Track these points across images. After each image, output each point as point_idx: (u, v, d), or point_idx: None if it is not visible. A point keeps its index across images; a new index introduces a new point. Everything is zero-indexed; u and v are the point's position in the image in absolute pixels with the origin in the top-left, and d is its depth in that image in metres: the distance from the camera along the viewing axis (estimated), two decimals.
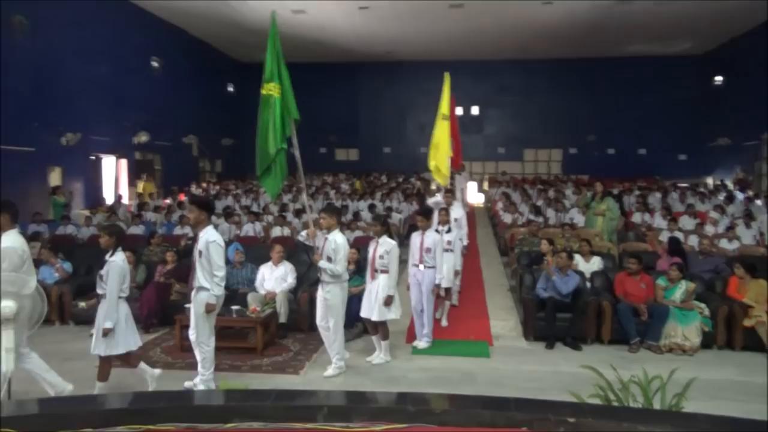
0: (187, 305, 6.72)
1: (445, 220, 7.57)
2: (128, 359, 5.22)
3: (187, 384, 5.41)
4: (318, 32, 20.17)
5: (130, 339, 5.12)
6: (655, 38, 20.63)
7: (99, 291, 5.12)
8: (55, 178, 13.85)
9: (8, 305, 4.32)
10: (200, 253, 5.22)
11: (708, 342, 6.75)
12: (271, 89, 5.85)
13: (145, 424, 2.02)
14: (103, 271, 5.04)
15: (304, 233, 6.10)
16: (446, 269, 7.18)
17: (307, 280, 7.76)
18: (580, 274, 7.50)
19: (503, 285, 9.60)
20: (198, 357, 5.37)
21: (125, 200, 15.39)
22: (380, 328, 6.26)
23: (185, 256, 8.69)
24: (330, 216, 5.92)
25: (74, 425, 2.02)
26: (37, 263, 8.50)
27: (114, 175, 16.31)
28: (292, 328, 7.25)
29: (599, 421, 1.93)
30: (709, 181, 21.12)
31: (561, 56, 23.14)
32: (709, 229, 10.51)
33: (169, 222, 12.08)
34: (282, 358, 6.45)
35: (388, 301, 6.09)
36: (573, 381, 5.39)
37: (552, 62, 23.78)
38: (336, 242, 5.75)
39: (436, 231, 7.12)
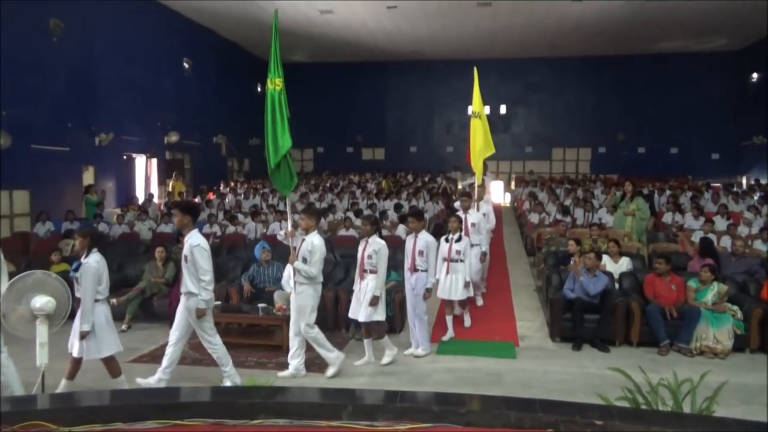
0: (216, 302, 6.84)
1: (456, 227, 7.11)
2: (111, 365, 5.19)
3: (140, 380, 5.42)
4: (346, 32, 20.24)
5: (111, 342, 5.10)
6: (687, 35, 20.18)
7: (77, 294, 5.03)
8: (88, 177, 14.17)
9: (49, 300, 4.42)
10: (185, 258, 5.19)
11: (741, 345, 6.59)
12: (277, 84, 5.80)
13: (173, 419, 2.06)
14: (77, 274, 4.99)
15: (282, 233, 5.99)
16: (454, 280, 6.95)
17: (333, 278, 7.80)
18: (609, 275, 7.38)
19: (530, 285, 9.52)
20: (213, 356, 5.41)
21: (155, 199, 15.66)
22: (373, 328, 6.13)
23: (213, 254, 8.81)
24: (309, 217, 5.81)
25: (104, 419, 2.06)
26: (70, 260, 8.76)
27: (145, 174, 16.62)
28: (318, 326, 7.28)
29: (627, 425, 1.90)
30: (743, 180, 20.58)
31: (591, 54, 22.80)
32: (743, 230, 10.25)
33: (198, 221, 12.25)
34: (307, 355, 6.48)
35: (374, 302, 5.95)
36: (601, 383, 5.33)
37: (581, 60, 23.47)
38: (313, 244, 5.65)
39: (446, 240, 7.06)
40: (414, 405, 2.14)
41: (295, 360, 5.81)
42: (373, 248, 6.03)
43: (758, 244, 9.32)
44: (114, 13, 14.37)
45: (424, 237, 6.54)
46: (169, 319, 7.32)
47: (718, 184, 17.95)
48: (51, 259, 8.54)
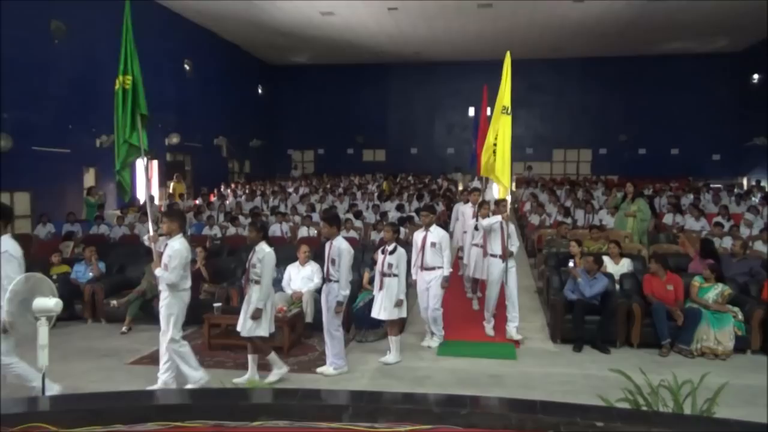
0: (216, 304, 6.85)
1: (390, 237, 6.39)
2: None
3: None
4: (347, 33, 20.27)
5: None
6: (689, 36, 20.18)
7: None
8: (89, 179, 14.19)
9: (57, 302, 4.42)
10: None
11: (742, 346, 6.57)
12: (123, 82, 5.63)
13: (173, 421, 2.06)
14: None
15: (146, 237, 5.74)
16: (386, 297, 6.25)
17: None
18: (610, 276, 7.38)
19: (530, 287, 9.51)
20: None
21: (156, 201, 15.67)
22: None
23: (214, 255, 8.83)
24: (170, 220, 5.46)
25: (105, 421, 2.06)
26: (71, 262, 8.78)
27: (146, 176, 16.59)
28: (319, 328, 7.25)
29: (628, 426, 1.90)
30: (744, 181, 20.57)
31: (592, 55, 22.82)
32: (744, 231, 10.24)
33: (198, 222, 12.26)
34: (308, 357, 6.49)
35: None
36: (601, 384, 5.33)
37: (583, 61, 23.48)
38: (173, 248, 5.28)
39: (381, 251, 6.49)
40: (415, 406, 2.14)
41: (164, 375, 5.37)
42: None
43: (759, 245, 9.31)
44: (115, 14, 14.20)
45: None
46: None
47: (719, 185, 17.94)
48: (51, 261, 8.54)
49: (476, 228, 7.88)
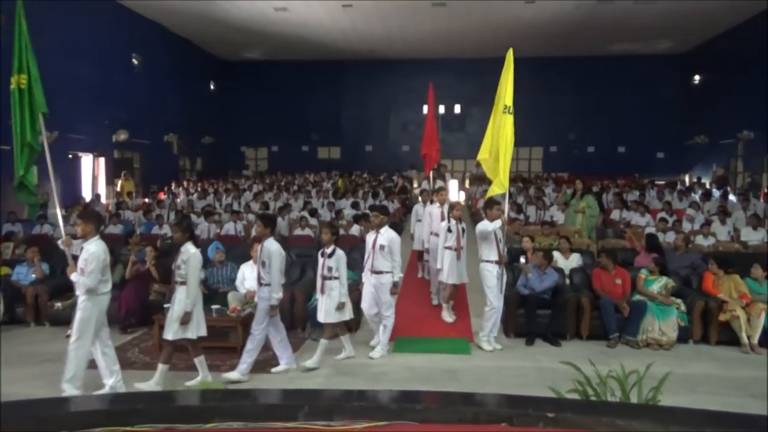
0: (166, 305, 6.68)
1: (328, 239, 6.19)
2: None
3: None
4: (301, 30, 20.09)
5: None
6: (636, 38, 20.87)
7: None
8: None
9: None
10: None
11: (684, 337, 6.87)
12: (18, 81, 5.46)
13: (122, 425, 2.00)
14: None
15: (60, 240, 5.55)
16: (328, 300, 6.12)
17: (288, 278, 7.72)
18: (560, 270, 7.58)
19: None
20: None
21: (103, 199, 15.19)
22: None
23: (164, 255, 8.60)
24: (86, 222, 5.25)
25: (50, 428, 1.98)
26: (11, 263, 8.41)
27: (92, 174, 16.09)
28: None
29: (578, 416, 1.94)
30: (686, 178, 21.44)
31: (544, 55, 23.29)
32: (686, 226, 10.67)
33: (148, 221, 11.94)
34: (262, 357, 6.39)
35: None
36: (553, 376, 5.45)
37: (535, 61, 23.85)
38: (89, 251, 5.09)
39: (321, 254, 6.27)
40: (371, 403, 2.14)
41: (110, 379, 5.23)
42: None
43: (700, 240, 9.72)
44: (61, 7, 13.83)
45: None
46: (118, 323, 7.14)
47: (663, 182, 18.64)
48: None
49: (449, 230, 7.42)
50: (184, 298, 5.32)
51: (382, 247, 6.35)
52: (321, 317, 6.17)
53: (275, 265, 5.66)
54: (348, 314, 6.24)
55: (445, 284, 7.60)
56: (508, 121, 6.54)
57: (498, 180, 6.65)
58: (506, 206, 7.07)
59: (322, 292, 6.13)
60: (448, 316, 7.61)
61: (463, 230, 7.53)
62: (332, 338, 6.20)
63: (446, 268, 7.37)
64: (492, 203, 6.81)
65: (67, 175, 14.99)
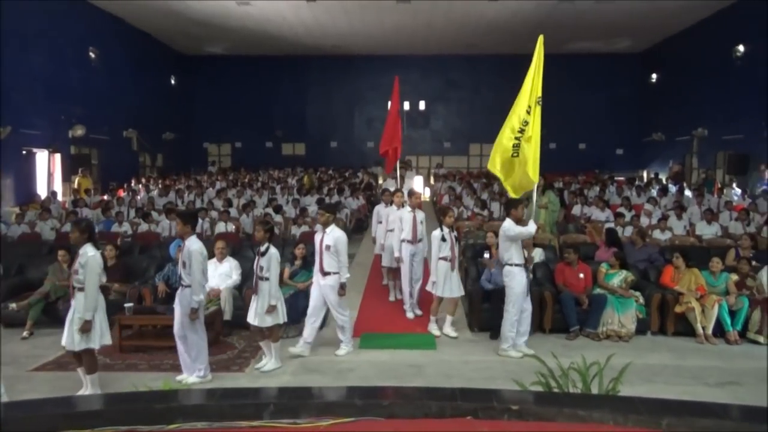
0: (127, 304, 6.55)
1: (261, 237, 5.90)
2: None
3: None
4: (265, 24, 19.84)
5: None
6: (596, 36, 21.27)
7: None
8: None
9: None
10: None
11: (642, 328, 7.06)
12: None
13: (83, 428, 1.95)
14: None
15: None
16: (260, 302, 5.85)
17: (253, 276, 7.63)
18: None
19: None
20: None
21: (60, 196, 14.73)
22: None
23: (124, 254, 8.42)
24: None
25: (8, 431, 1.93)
26: None
27: (47, 171, 15.58)
28: (237, 326, 7.11)
29: (541, 408, 1.99)
30: (644, 174, 22.03)
31: (507, 52, 23.46)
32: (644, 221, 10.96)
33: (107, 219, 11.64)
34: (227, 356, 6.34)
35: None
36: (517, 369, 5.56)
37: (498, 58, 24.15)
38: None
39: (256, 253, 6.06)
40: (336, 400, 2.14)
41: None
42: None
43: (657, 234, 10.00)
44: None
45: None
46: None
47: (622, 178, 19.11)
48: None
49: (443, 239, 6.99)
50: (82, 306, 4.90)
51: (327, 247, 6.12)
52: (251, 319, 5.83)
53: (196, 266, 5.30)
54: (281, 317, 5.89)
55: (434, 296, 7.12)
56: (539, 113, 6.69)
57: (526, 176, 6.46)
58: (534, 201, 6.86)
59: (255, 293, 5.86)
60: (436, 329, 7.12)
61: (456, 239, 7.27)
62: (277, 340, 5.98)
63: (441, 282, 6.92)
64: (516, 202, 6.47)
65: (21, 171, 14.50)
